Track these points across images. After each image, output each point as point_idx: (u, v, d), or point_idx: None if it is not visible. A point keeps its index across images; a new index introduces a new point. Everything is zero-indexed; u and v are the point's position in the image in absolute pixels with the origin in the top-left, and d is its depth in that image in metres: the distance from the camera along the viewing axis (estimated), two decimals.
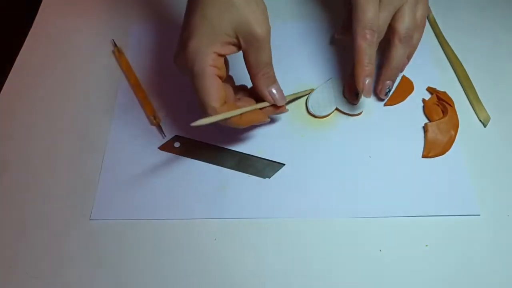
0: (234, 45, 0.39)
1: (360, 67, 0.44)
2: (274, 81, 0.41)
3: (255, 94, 0.42)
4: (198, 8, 0.38)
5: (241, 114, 0.39)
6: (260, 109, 0.42)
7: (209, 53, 0.37)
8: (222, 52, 0.38)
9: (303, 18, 0.56)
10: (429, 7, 0.49)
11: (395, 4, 0.45)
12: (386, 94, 0.48)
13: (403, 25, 0.45)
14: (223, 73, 0.39)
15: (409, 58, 0.49)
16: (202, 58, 0.37)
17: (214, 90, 0.38)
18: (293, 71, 0.51)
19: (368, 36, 0.44)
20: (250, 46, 0.38)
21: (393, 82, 0.48)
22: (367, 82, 0.44)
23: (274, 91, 0.41)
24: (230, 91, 0.41)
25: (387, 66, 0.47)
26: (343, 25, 0.51)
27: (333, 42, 0.54)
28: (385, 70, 0.47)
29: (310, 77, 0.50)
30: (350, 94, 0.47)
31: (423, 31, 0.48)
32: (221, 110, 0.38)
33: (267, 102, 0.42)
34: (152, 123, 0.47)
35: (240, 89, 0.44)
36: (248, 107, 0.40)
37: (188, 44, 0.38)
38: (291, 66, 0.51)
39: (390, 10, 0.45)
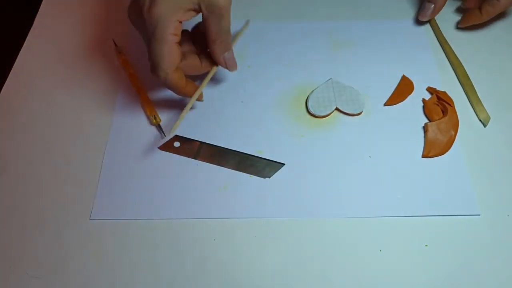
0: (195, 11, 0.40)
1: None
2: (229, 48, 0.43)
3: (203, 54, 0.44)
4: None
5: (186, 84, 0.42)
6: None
7: (172, 21, 0.38)
8: (183, 19, 0.39)
9: (304, 18, 0.56)
10: None
11: None
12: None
13: None
14: (179, 38, 0.40)
15: None
16: (164, 24, 0.38)
17: (171, 57, 0.39)
18: (294, 71, 0.51)
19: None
20: (212, 13, 0.39)
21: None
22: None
23: (228, 57, 0.43)
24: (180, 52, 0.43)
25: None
26: (428, 6, 0.54)
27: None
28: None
29: (310, 77, 0.50)
30: None
31: None
32: (173, 76, 0.40)
33: (220, 66, 0.44)
34: (152, 123, 0.47)
35: (184, 39, 0.44)
36: (201, 86, 0.44)
37: (151, 6, 0.38)
38: (291, 66, 0.51)
39: None
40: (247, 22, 0.51)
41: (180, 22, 0.39)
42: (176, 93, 0.43)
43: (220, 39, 0.41)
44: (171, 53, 0.39)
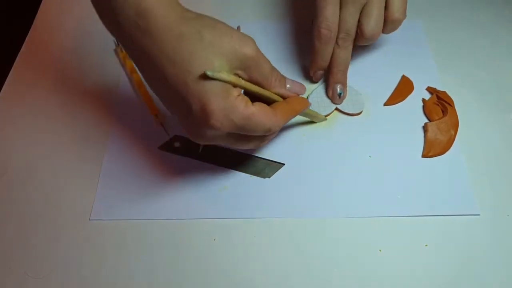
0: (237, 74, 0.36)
1: (314, 64, 0.47)
2: (284, 78, 0.40)
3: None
4: (179, 77, 0.33)
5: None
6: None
7: (238, 105, 0.34)
8: (238, 87, 0.36)
9: (304, 18, 0.56)
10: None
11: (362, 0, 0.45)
12: (340, 97, 0.48)
13: (342, 25, 0.46)
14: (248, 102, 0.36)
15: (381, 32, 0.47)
16: (235, 110, 0.34)
17: (266, 118, 0.36)
18: (293, 71, 0.51)
19: (322, 35, 0.45)
20: (249, 67, 0.35)
21: (343, 84, 0.48)
22: (319, 74, 0.48)
23: (290, 86, 0.40)
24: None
25: (330, 69, 0.48)
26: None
27: (283, 39, 0.54)
28: (330, 74, 0.48)
29: (310, 77, 0.50)
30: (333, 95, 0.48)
31: (397, 24, 0.47)
32: (283, 119, 0.38)
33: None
34: (155, 122, 0.47)
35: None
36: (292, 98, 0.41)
37: (209, 112, 0.33)
38: (291, 66, 0.51)
39: (355, 5, 0.45)
40: (238, 28, 0.50)
41: (240, 93, 0.35)
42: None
43: (272, 80, 0.38)
44: (263, 116, 0.36)
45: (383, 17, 0.46)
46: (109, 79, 0.51)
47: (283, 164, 0.44)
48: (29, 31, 0.55)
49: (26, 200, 0.43)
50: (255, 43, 0.35)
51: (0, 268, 0.39)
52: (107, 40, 0.53)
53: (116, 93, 0.49)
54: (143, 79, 0.37)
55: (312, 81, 0.50)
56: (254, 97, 0.37)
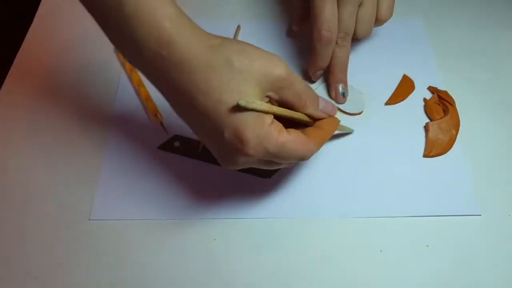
0: (271, 103, 0.35)
1: (313, 65, 0.47)
2: (318, 98, 0.38)
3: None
4: (211, 107, 0.32)
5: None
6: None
7: (272, 132, 0.33)
8: (272, 118, 0.34)
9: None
10: None
11: None
12: (344, 96, 0.48)
13: (341, 25, 0.45)
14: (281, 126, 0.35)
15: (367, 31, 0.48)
16: (270, 139, 0.33)
17: (301, 146, 0.35)
18: (293, 70, 0.51)
19: (323, 37, 0.45)
20: (281, 88, 0.34)
21: (345, 83, 0.48)
22: (318, 73, 0.48)
23: (323, 107, 0.38)
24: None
25: (331, 69, 0.48)
26: (298, 16, 0.51)
27: (290, 34, 0.53)
28: (330, 73, 0.48)
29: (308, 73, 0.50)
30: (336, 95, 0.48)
31: (384, 22, 0.49)
32: (317, 146, 0.36)
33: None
34: (154, 122, 0.47)
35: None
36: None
37: (244, 141, 0.32)
38: (290, 66, 0.51)
39: (354, 5, 0.45)
40: (238, 27, 0.50)
41: (272, 121, 0.34)
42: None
43: (306, 100, 0.36)
44: (298, 143, 0.35)
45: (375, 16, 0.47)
46: (109, 79, 0.51)
47: None
48: (29, 30, 0.55)
49: (26, 200, 0.42)
50: (284, 62, 0.34)
51: (1, 267, 0.39)
52: (107, 39, 0.53)
53: (116, 92, 0.49)
54: (172, 106, 0.35)
55: (311, 80, 0.50)
56: (285, 119, 0.36)
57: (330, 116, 0.39)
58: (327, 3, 0.44)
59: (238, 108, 0.32)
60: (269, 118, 0.33)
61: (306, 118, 0.37)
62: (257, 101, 0.32)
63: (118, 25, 0.32)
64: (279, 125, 0.34)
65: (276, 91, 0.34)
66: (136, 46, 0.32)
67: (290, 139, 0.34)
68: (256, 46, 0.34)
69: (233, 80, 0.32)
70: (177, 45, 0.32)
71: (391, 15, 0.48)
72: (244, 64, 0.32)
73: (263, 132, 0.33)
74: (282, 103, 0.35)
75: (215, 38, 0.33)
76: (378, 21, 0.48)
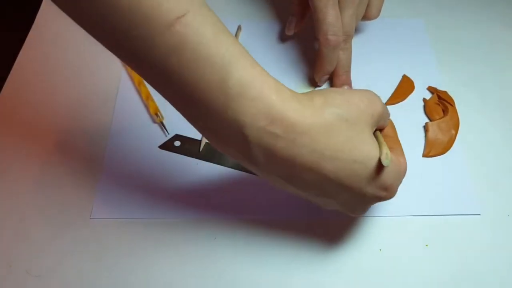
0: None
1: (320, 70, 0.47)
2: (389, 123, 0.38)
3: None
4: (345, 170, 0.31)
5: None
6: None
7: (402, 169, 0.34)
8: None
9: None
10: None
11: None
12: None
13: (343, 28, 0.46)
14: None
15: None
16: (401, 172, 0.34)
17: (402, 160, 0.34)
18: (293, 70, 0.51)
19: (330, 41, 0.45)
20: (379, 121, 0.34)
21: (349, 85, 0.48)
22: (325, 78, 0.48)
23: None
24: None
25: (335, 72, 0.48)
26: (291, 20, 0.51)
27: (284, 39, 0.53)
28: (335, 76, 0.48)
29: (310, 76, 0.50)
30: None
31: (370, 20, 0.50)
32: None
33: None
34: (155, 121, 0.47)
35: None
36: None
37: (392, 191, 0.33)
38: (290, 66, 0.51)
39: (354, 7, 0.46)
40: (239, 27, 0.50)
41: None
42: None
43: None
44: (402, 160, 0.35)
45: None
46: (109, 78, 0.51)
47: None
48: (30, 29, 0.55)
49: (26, 199, 0.43)
50: (377, 96, 0.34)
51: (1, 266, 0.39)
52: None
53: (117, 92, 0.49)
54: (289, 182, 0.32)
55: (316, 85, 0.50)
56: None
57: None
58: (329, 8, 0.44)
59: (380, 165, 0.31)
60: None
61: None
62: (391, 155, 0.32)
63: (218, 110, 0.28)
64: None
65: (377, 124, 0.34)
66: (237, 127, 0.28)
67: (397, 160, 0.34)
68: (352, 90, 0.33)
69: (353, 135, 0.31)
70: (287, 117, 0.29)
71: (379, 15, 0.50)
72: (356, 116, 0.31)
73: (399, 174, 0.33)
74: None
75: (312, 97, 0.31)
76: (365, 19, 0.50)
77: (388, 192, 0.33)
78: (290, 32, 0.51)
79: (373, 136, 0.32)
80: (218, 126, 0.29)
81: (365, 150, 0.31)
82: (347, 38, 0.46)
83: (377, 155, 0.31)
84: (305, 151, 0.29)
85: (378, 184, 0.32)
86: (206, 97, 0.28)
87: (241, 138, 0.29)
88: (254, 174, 0.43)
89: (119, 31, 0.28)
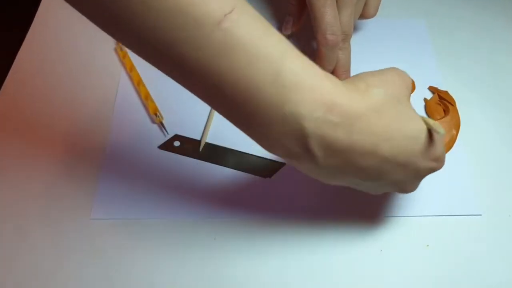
0: None
1: None
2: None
3: None
4: (401, 148, 0.31)
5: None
6: None
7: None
8: None
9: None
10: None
11: None
12: None
13: (342, 27, 0.46)
14: None
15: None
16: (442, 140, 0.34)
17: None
18: None
19: (329, 41, 0.45)
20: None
21: None
22: None
23: None
24: None
25: (335, 71, 0.48)
26: (288, 19, 0.51)
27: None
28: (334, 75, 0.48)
29: None
30: None
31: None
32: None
33: None
34: (154, 121, 0.47)
35: None
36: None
37: (442, 159, 0.34)
38: None
39: (352, 6, 0.46)
40: None
41: None
42: None
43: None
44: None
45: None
46: (109, 78, 0.51)
47: (284, 164, 0.44)
48: (29, 29, 0.55)
49: (26, 199, 0.42)
50: (398, 68, 0.34)
51: (1, 266, 0.39)
52: (107, 39, 0.53)
53: (116, 92, 0.49)
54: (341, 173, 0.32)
55: None
56: None
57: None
58: (327, 7, 0.44)
59: (431, 136, 0.31)
60: None
61: None
62: (439, 125, 0.32)
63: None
64: None
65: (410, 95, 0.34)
66: (295, 120, 0.28)
67: None
68: (375, 70, 0.33)
69: (401, 111, 0.31)
70: (342, 105, 0.28)
71: (375, 14, 0.50)
72: (397, 91, 0.31)
73: (443, 142, 0.33)
74: None
75: (352, 82, 0.31)
76: (362, 18, 0.50)
77: (438, 162, 0.33)
78: (287, 32, 0.51)
79: (414, 109, 0.33)
80: (273, 123, 0.28)
81: (414, 124, 0.31)
82: (346, 38, 0.46)
83: (424, 128, 0.31)
84: (364, 135, 0.29)
85: (431, 156, 0.32)
86: (260, 94, 0.27)
87: (299, 132, 0.28)
88: (254, 174, 0.43)
89: (164, 36, 0.26)
